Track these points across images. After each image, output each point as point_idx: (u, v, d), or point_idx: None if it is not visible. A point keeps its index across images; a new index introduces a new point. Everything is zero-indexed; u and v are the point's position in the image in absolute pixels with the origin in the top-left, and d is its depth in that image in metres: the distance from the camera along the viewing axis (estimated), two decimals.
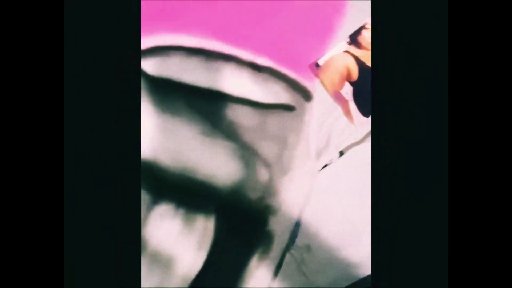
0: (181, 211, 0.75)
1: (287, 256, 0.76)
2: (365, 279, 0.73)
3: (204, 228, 0.75)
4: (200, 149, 0.77)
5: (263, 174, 0.77)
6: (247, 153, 0.77)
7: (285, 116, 0.78)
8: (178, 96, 0.77)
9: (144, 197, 0.75)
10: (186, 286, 0.73)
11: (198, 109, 0.77)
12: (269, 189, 0.77)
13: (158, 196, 0.75)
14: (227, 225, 0.75)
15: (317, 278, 0.75)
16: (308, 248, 0.76)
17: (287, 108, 0.78)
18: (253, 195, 0.76)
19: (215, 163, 0.76)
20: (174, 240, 0.74)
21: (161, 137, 0.76)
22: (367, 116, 0.76)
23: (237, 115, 0.78)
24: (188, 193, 0.76)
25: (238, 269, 0.74)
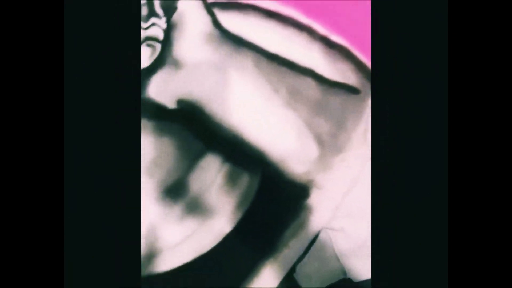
0: (227, 167, 0.75)
1: (322, 234, 0.74)
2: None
3: (245, 188, 0.74)
4: (258, 111, 0.76)
5: (314, 149, 0.76)
6: (303, 125, 0.76)
7: (349, 97, 0.77)
8: (247, 55, 0.77)
9: (193, 144, 0.75)
10: (217, 241, 0.73)
11: (263, 72, 0.77)
12: (317, 165, 0.75)
13: (207, 147, 0.75)
14: (269, 191, 0.74)
15: (349, 263, 0.74)
16: (343, 231, 0.74)
17: (352, 90, 0.77)
18: (300, 167, 0.75)
19: (269, 127, 0.76)
20: (214, 193, 0.74)
21: (221, 89, 0.76)
22: None
23: (301, 85, 0.77)
24: (237, 151, 0.75)
25: (271, 235, 0.73)
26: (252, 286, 0.72)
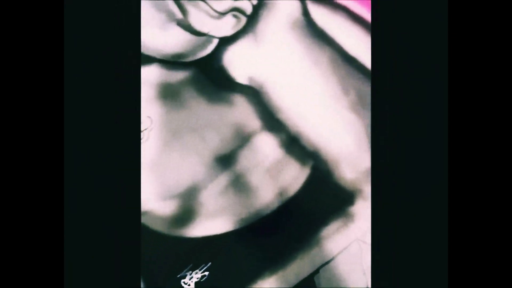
0: (278, 152, 0.74)
1: (355, 244, 0.73)
2: None
3: (292, 179, 0.73)
4: (323, 107, 0.75)
5: (368, 160, 0.75)
6: (363, 133, 0.75)
7: None
8: (325, 50, 0.77)
9: (252, 121, 0.74)
10: (251, 221, 0.72)
11: (337, 71, 0.76)
12: (368, 176, 0.74)
13: (264, 128, 0.74)
14: (315, 187, 0.73)
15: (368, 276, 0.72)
16: None
17: None
18: (350, 173, 0.74)
19: (329, 125, 0.75)
20: (260, 175, 0.73)
21: (292, 77, 0.76)
22: None
23: (369, 92, 0.76)
24: (292, 140, 0.74)
25: (305, 230, 0.72)
26: (268, 278, 0.71)
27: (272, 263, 0.71)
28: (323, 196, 0.73)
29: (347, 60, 0.77)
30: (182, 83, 0.74)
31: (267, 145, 0.74)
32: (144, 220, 0.70)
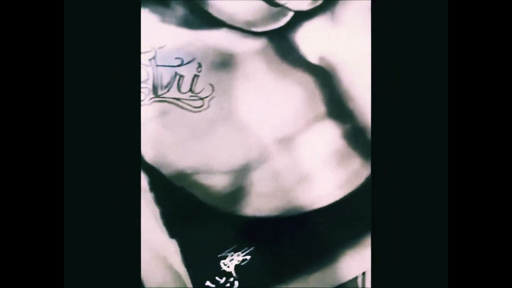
0: (341, 142, 0.69)
1: None
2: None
3: (353, 174, 0.68)
4: None
5: None
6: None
7: None
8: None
9: (317, 104, 0.69)
10: (301, 212, 0.67)
11: None
12: None
13: (329, 114, 0.69)
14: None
15: None
16: None
17: None
18: None
19: None
20: (319, 163, 0.68)
21: (361, 64, 0.70)
22: None
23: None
24: (360, 131, 0.69)
25: (360, 229, 0.67)
26: (311, 276, 0.66)
27: (318, 259, 0.66)
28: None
29: None
30: (249, 53, 0.70)
31: (329, 133, 0.69)
32: (194, 191, 0.66)
